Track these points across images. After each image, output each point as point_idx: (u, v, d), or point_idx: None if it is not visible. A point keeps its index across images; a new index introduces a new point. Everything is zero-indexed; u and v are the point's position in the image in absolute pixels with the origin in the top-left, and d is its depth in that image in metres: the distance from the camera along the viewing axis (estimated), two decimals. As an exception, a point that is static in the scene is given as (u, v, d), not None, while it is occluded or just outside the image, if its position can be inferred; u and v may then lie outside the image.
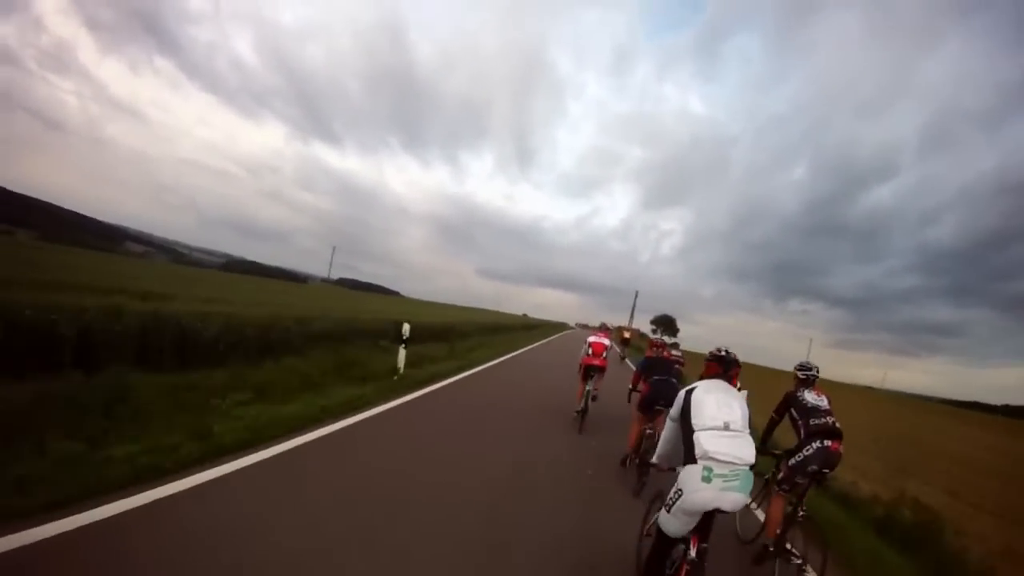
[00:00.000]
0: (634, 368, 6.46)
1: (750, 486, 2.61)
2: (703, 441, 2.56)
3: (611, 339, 8.69)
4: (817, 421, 3.80)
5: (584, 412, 7.42)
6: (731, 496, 2.52)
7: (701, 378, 3.06)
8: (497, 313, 73.14)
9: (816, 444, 3.72)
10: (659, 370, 5.71)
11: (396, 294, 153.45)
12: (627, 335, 33.19)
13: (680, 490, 2.60)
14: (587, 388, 7.49)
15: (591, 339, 7.84)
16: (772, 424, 4.22)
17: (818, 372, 4.13)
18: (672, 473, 2.89)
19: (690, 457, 2.60)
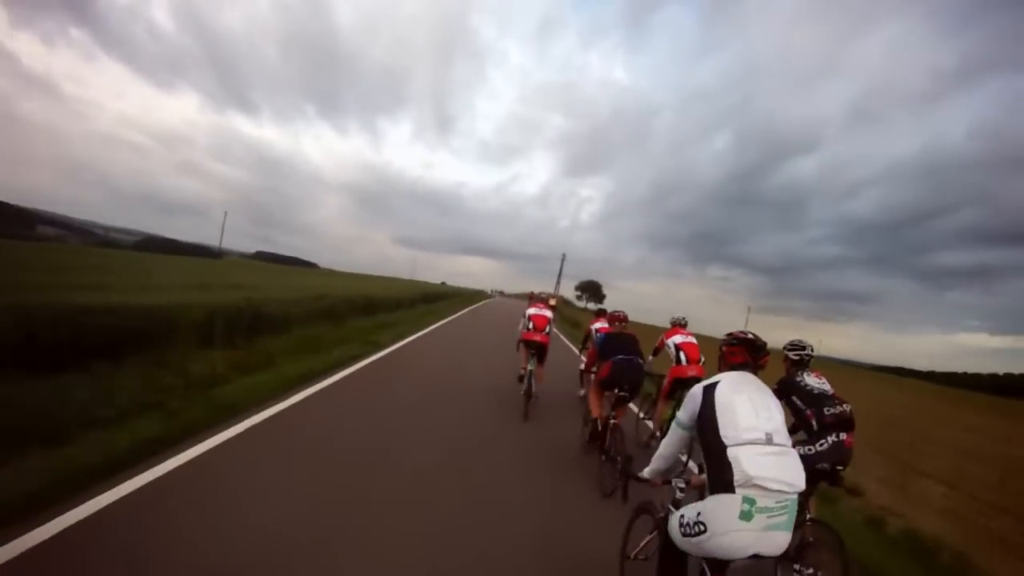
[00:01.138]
0: (566, 340, 6.72)
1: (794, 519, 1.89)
2: (744, 461, 1.84)
3: (554, 312, 7.68)
4: (832, 410, 3.27)
5: (528, 395, 6.64)
6: (775, 537, 1.83)
7: (720, 369, 2.31)
8: (411, 283, 71.76)
9: (832, 438, 3.21)
10: (622, 347, 5.02)
11: (313, 266, 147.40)
12: (552, 303, 33.55)
13: (703, 525, 1.89)
14: (529, 368, 6.80)
15: (531, 311, 7.21)
16: None
17: (813, 351, 3.66)
18: (666, 487, 2.38)
19: (721, 482, 1.87)
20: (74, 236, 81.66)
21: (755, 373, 2.23)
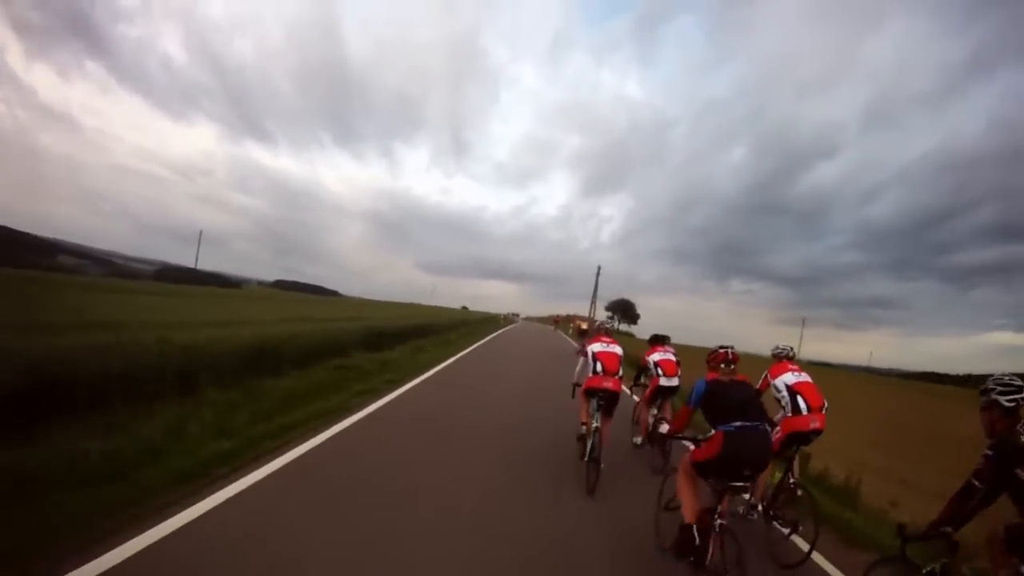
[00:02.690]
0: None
1: None
2: None
3: (618, 345, 5.89)
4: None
5: (594, 459, 5.01)
6: None
7: None
8: (426, 308, 68.25)
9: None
10: (739, 407, 3.31)
11: (335, 294, 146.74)
12: (584, 326, 29.57)
13: None
14: (594, 424, 5.20)
15: (595, 348, 5.59)
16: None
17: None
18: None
19: None
20: (94, 266, 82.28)
21: None
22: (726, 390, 3.43)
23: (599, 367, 5.40)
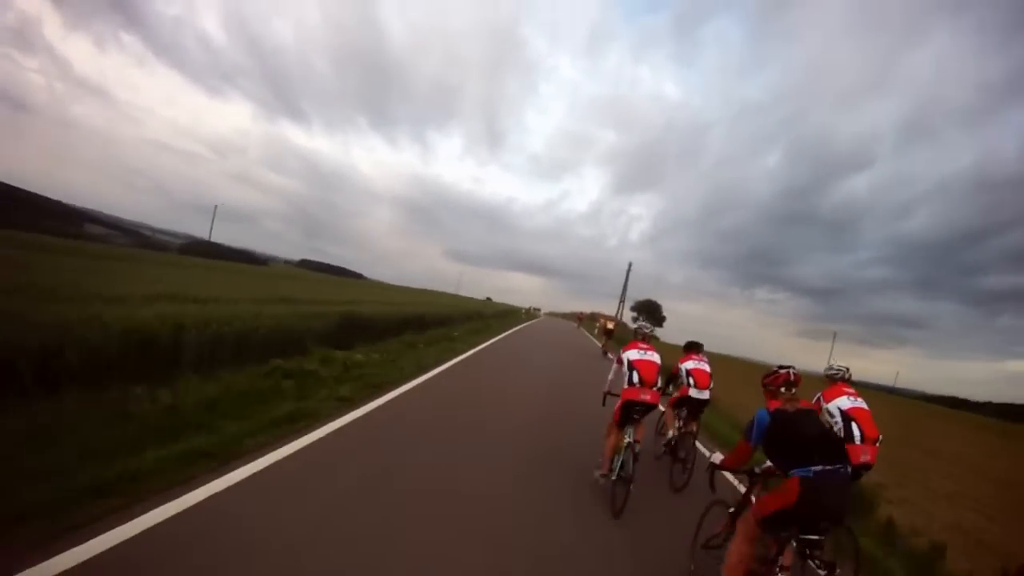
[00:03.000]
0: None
1: None
2: None
3: (656, 352, 5.33)
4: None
5: (623, 478, 4.67)
6: None
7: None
8: (454, 297, 65.56)
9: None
10: (813, 445, 2.84)
11: (359, 276, 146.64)
12: (611, 326, 26.08)
13: None
14: (626, 440, 4.80)
15: (632, 355, 5.14)
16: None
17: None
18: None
19: None
20: (121, 236, 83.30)
21: None
22: (796, 423, 2.97)
23: (636, 377, 5.00)
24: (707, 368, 6.39)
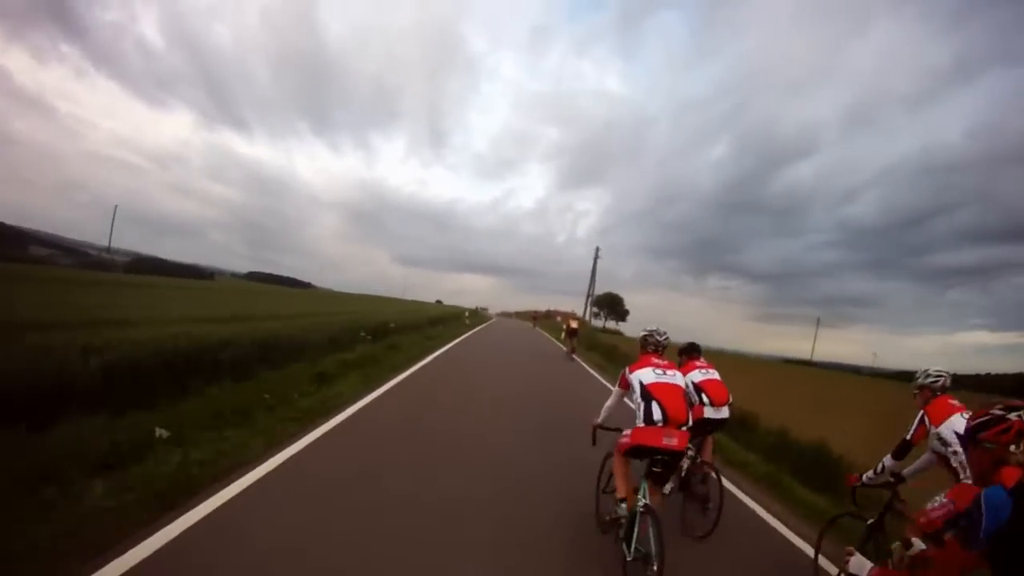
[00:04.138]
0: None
1: None
2: None
3: (681, 373, 3.85)
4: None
5: (642, 557, 3.20)
6: None
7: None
8: (399, 302, 61.43)
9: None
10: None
11: (308, 286, 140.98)
12: (574, 325, 24.12)
13: None
14: (640, 500, 3.37)
15: (646, 378, 3.63)
16: None
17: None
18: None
19: None
20: (66, 256, 78.66)
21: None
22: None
23: (656, 410, 3.41)
24: (718, 377, 5.07)
